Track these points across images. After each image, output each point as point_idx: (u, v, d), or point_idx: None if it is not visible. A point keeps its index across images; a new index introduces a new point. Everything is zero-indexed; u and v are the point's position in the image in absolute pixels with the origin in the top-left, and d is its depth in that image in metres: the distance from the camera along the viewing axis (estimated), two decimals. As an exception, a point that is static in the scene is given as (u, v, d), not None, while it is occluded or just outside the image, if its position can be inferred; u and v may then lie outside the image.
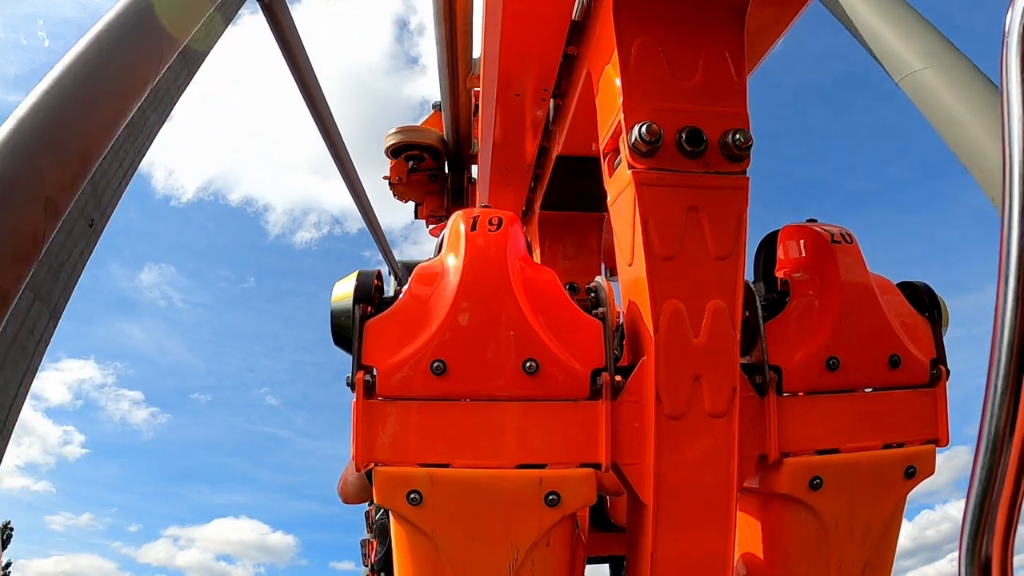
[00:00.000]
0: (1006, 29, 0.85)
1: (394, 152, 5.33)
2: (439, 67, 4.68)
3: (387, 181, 5.78)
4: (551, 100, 2.49)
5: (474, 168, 5.55)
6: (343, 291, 1.57)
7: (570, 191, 2.91)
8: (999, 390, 0.85)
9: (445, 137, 5.44)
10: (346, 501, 3.26)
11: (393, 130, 5.34)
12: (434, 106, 5.94)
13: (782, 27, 1.88)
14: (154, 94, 6.99)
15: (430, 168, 5.63)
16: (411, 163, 5.30)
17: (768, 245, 1.88)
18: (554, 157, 2.67)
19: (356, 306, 1.52)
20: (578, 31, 2.05)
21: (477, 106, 4.57)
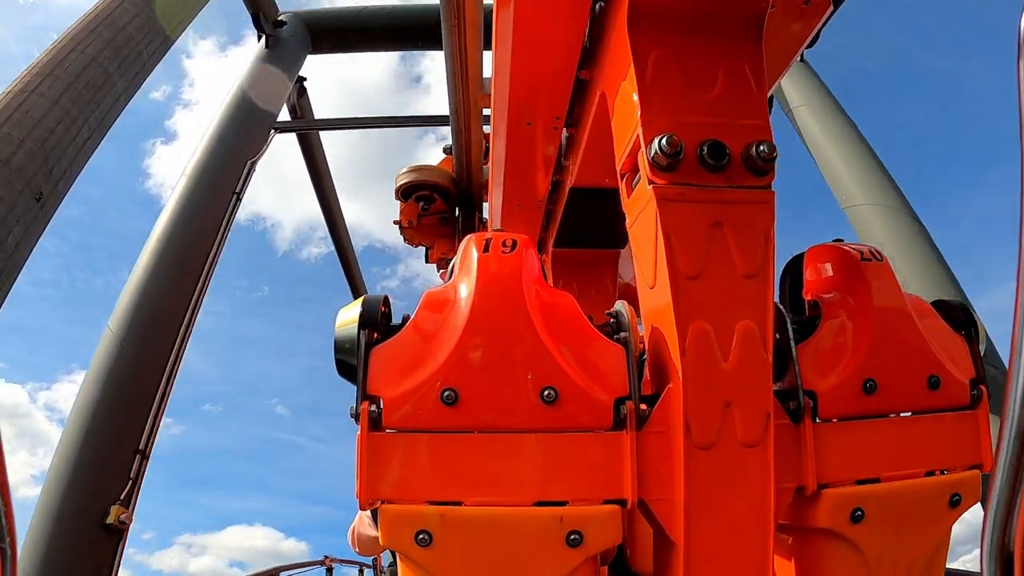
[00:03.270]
0: (1020, 35, 0.84)
1: (405, 194, 5.32)
2: (450, 107, 4.70)
3: (397, 226, 5.78)
4: (564, 130, 2.45)
5: (485, 208, 5.53)
6: (347, 317, 1.47)
7: (584, 226, 2.83)
8: (1022, 386, 0.84)
9: (456, 177, 5.44)
10: (361, 551, 3.08)
11: (404, 169, 5.34)
12: (445, 150, 5.96)
13: (801, 42, 1.83)
14: (120, 56, 7.01)
15: (441, 211, 5.61)
16: (421, 204, 5.29)
17: (794, 268, 1.78)
18: (567, 191, 2.61)
19: (361, 332, 1.43)
20: (590, 56, 2.00)
21: (488, 148, 4.56)
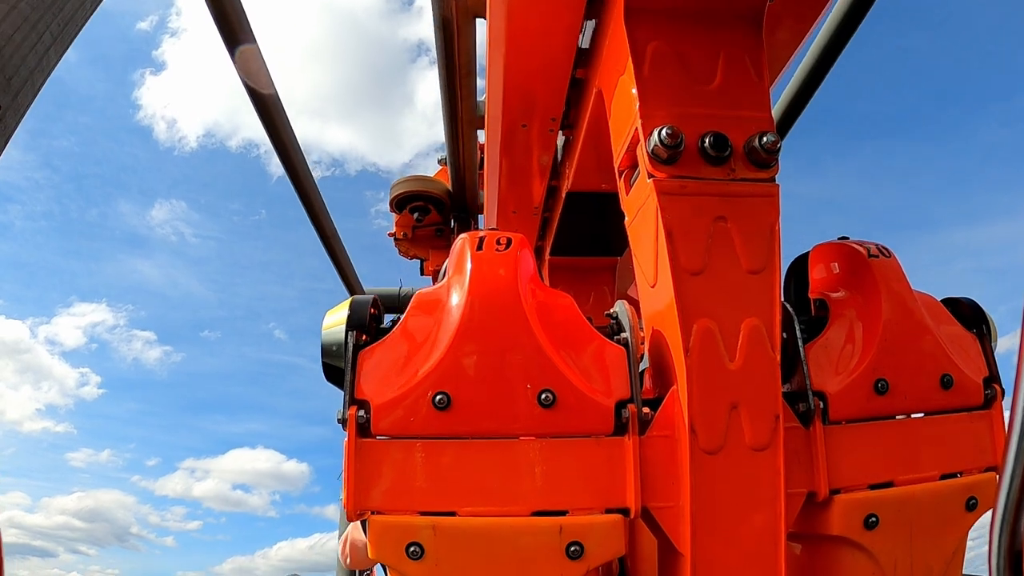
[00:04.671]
0: None
1: (399, 204, 5.26)
2: (443, 115, 4.65)
3: (392, 238, 5.72)
4: (559, 133, 2.40)
5: (481, 220, 5.47)
6: (334, 319, 1.40)
7: (581, 233, 2.77)
8: None
9: (451, 188, 5.38)
10: (353, 564, 2.95)
11: (398, 180, 5.29)
12: (439, 161, 5.91)
13: (802, 35, 1.78)
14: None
15: (436, 223, 5.55)
16: (416, 215, 5.23)
17: (798, 267, 1.73)
18: (564, 196, 2.56)
19: (349, 334, 1.37)
20: (586, 55, 1.96)
21: (483, 158, 4.53)
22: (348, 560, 2.71)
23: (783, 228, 1.38)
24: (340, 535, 3.07)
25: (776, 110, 4.03)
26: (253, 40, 3.39)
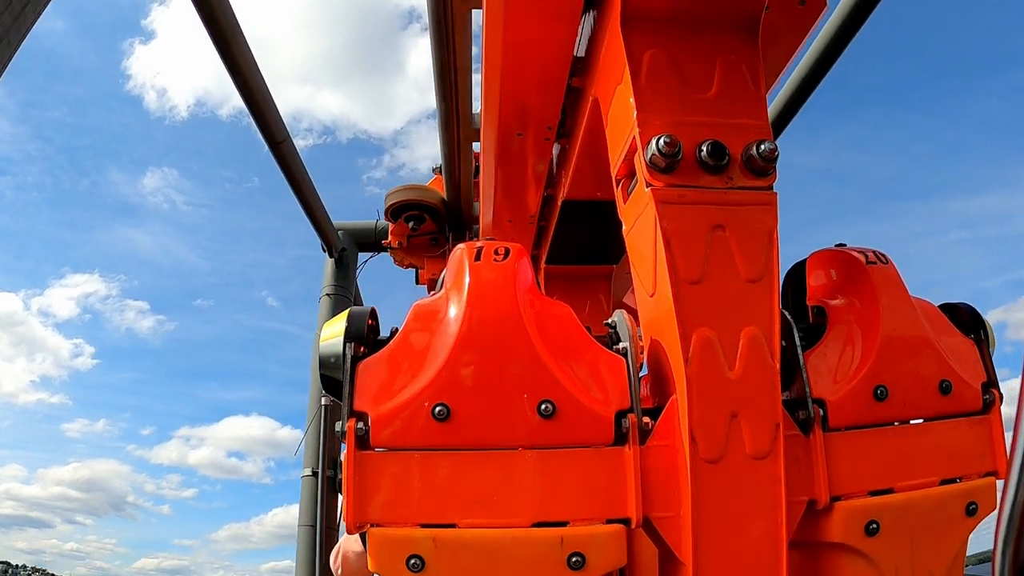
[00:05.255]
0: None
1: (394, 213, 5.26)
2: (439, 125, 4.66)
3: (387, 247, 5.71)
4: (555, 142, 2.40)
5: (476, 230, 5.46)
6: (332, 331, 1.39)
7: (577, 242, 2.77)
8: None
9: (446, 198, 5.38)
10: None
11: (393, 189, 5.29)
12: (434, 170, 5.91)
13: (798, 42, 1.79)
14: None
15: (431, 231, 5.55)
16: (411, 224, 5.23)
17: (796, 274, 1.73)
18: (559, 204, 2.56)
19: (347, 345, 1.35)
20: (582, 64, 1.96)
21: (479, 168, 4.53)
22: (340, 572, 2.68)
23: (780, 235, 1.38)
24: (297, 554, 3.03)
25: (770, 111, 4.04)
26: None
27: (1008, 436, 1.44)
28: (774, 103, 4.04)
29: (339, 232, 7.41)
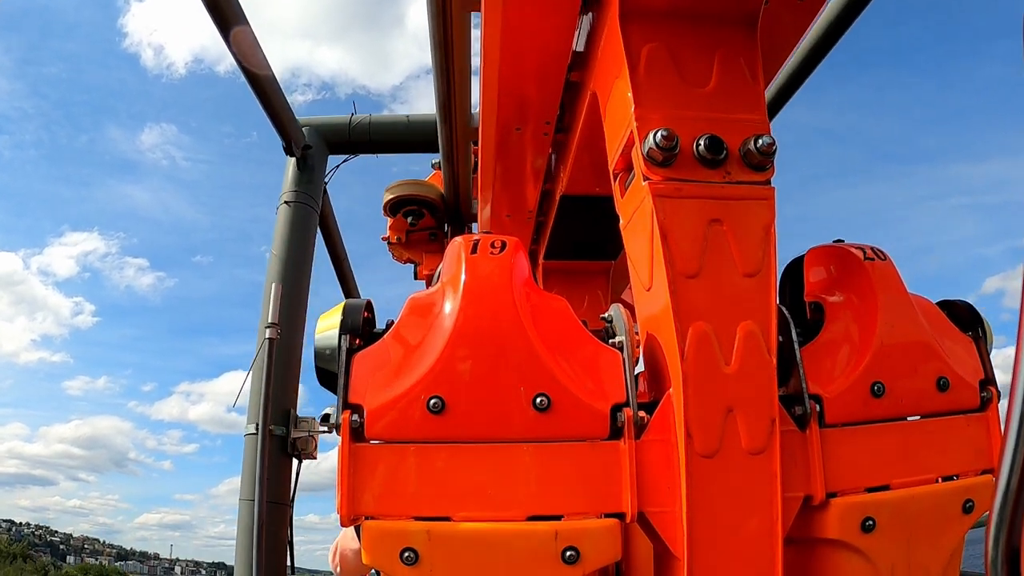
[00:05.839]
0: None
1: (392, 208, 5.24)
2: (438, 121, 4.64)
3: (385, 242, 5.69)
4: (554, 137, 2.39)
5: (475, 226, 5.45)
6: (328, 324, 1.38)
7: (576, 237, 2.77)
8: None
9: (445, 193, 5.36)
10: (344, 572, 2.92)
11: (392, 184, 5.26)
12: (433, 165, 5.89)
13: (797, 36, 1.78)
14: None
15: (429, 227, 5.53)
16: (410, 219, 5.21)
17: (793, 270, 1.73)
18: (558, 199, 2.55)
19: (342, 338, 1.34)
20: (580, 58, 1.95)
21: (477, 163, 4.52)
22: (339, 570, 2.68)
23: (778, 229, 1.38)
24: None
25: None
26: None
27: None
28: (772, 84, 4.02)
29: (304, 129, 6.08)
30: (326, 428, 1.31)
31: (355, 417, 1.26)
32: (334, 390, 1.32)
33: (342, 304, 1.39)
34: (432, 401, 1.26)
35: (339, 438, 1.26)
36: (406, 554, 1.21)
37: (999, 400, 1.55)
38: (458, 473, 1.26)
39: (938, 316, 1.60)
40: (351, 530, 1.33)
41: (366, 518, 1.25)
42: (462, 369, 1.29)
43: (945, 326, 1.59)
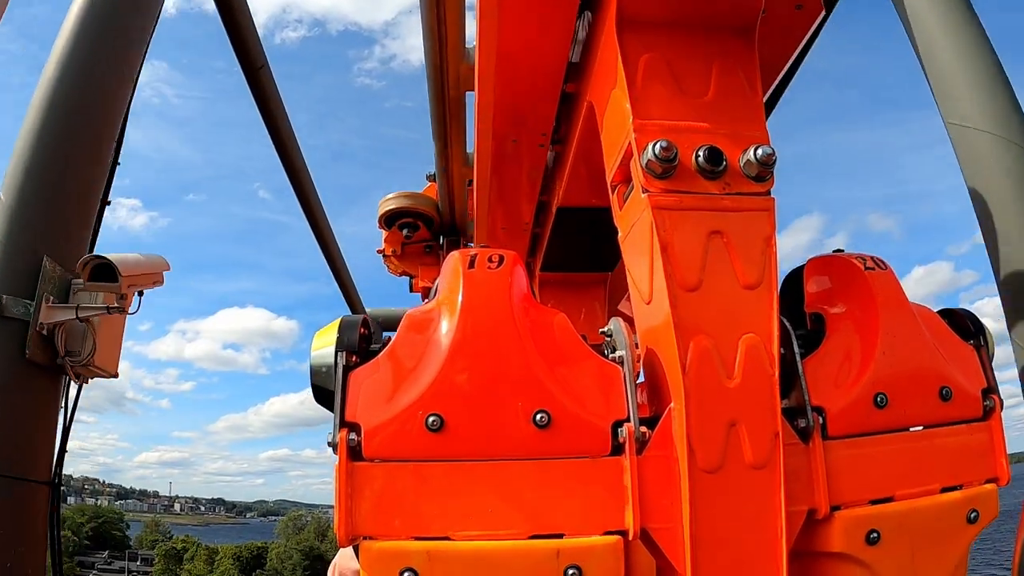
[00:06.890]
0: None
1: (388, 221, 5.23)
2: (433, 135, 4.64)
3: (381, 255, 5.68)
4: (550, 148, 2.38)
5: (470, 237, 5.43)
6: (324, 341, 1.36)
7: (572, 248, 2.75)
8: None
9: (440, 206, 5.36)
10: None
11: (387, 197, 5.26)
12: (428, 177, 5.89)
13: (794, 47, 1.78)
14: None
15: (425, 239, 5.53)
16: (405, 231, 5.20)
17: (793, 281, 1.72)
18: (554, 211, 2.54)
19: (339, 355, 1.32)
20: (576, 69, 1.95)
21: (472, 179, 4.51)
22: None
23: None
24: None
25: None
26: None
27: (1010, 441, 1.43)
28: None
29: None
30: (119, 307, 1.17)
31: (352, 436, 1.24)
32: (330, 408, 1.29)
33: (338, 321, 1.37)
34: (431, 419, 1.24)
35: (336, 457, 1.24)
36: (406, 575, 1.19)
37: (1002, 408, 1.54)
38: (458, 491, 1.24)
39: (939, 325, 1.59)
40: (350, 549, 1.31)
41: (364, 538, 1.22)
42: (461, 386, 1.27)
43: (946, 335, 1.58)
